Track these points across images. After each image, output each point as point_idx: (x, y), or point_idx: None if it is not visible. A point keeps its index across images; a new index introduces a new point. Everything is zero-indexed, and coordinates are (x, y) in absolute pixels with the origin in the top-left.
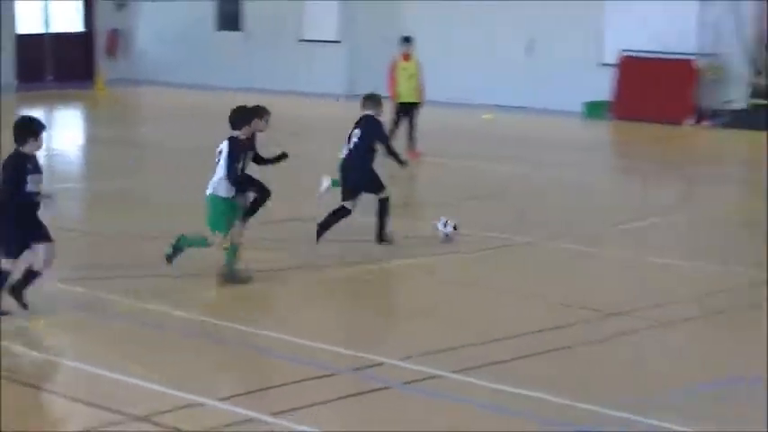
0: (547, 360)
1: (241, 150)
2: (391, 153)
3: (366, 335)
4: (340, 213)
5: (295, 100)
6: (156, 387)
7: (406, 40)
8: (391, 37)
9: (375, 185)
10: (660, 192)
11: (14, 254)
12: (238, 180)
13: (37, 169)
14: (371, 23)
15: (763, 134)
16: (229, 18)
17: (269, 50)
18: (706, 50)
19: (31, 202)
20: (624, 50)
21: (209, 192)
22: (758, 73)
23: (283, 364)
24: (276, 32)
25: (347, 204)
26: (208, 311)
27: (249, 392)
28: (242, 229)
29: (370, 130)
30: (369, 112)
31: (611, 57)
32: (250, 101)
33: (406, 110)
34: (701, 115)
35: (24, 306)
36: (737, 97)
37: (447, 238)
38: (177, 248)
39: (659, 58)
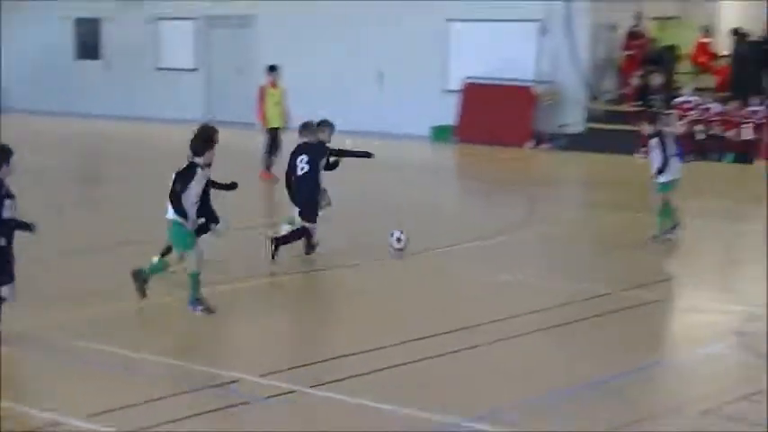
0: (400, 374)
1: (193, 177)
2: (335, 161)
3: (226, 351)
4: (300, 233)
5: (154, 127)
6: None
7: (272, 68)
8: (245, 66)
9: (311, 214)
10: (505, 211)
11: None
12: (175, 203)
13: (9, 195)
14: (227, 52)
15: (598, 156)
16: (88, 47)
17: (128, 78)
18: (544, 77)
19: (9, 228)
20: (467, 77)
21: (170, 217)
22: (593, 98)
23: (143, 380)
24: (134, 61)
25: (308, 225)
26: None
27: (108, 411)
28: (203, 256)
29: (315, 156)
30: (306, 139)
31: (456, 83)
32: (110, 128)
33: (274, 134)
34: (539, 138)
35: None
36: (574, 121)
37: (398, 252)
38: (143, 280)
39: (500, 85)
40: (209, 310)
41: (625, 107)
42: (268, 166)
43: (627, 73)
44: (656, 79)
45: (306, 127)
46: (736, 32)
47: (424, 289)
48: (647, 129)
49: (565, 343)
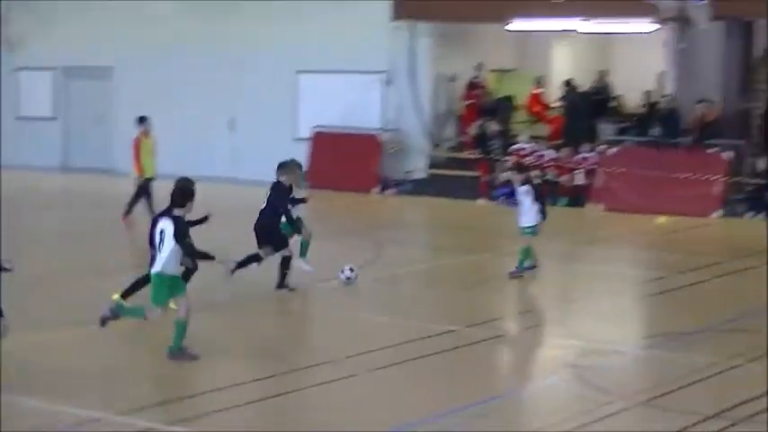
0: (260, 409)
1: (187, 226)
2: (289, 219)
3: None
4: (253, 258)
5: (13, 174)
6: None
7: (142, 119)
8: (102, 115)
9: (278, 243)
10: (355, 253)
11: None
12: (196, 253)
13: None
14: (84, 102)
15: (441, 200)
16: None
17: None
18: (389, 126)
19: None
20: (316, 126)
21: (156, 270)
22: (435, 146)
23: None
24: None
25: (261, 252)
26: None
27: None
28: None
29: (274, 194)
30: (280, 178)
31: (306, 132)
32: None
33: (146, 184)
34: (385, 184)
35: None
36: (418, 167)
37: (348, 281)
38: (115, 315)
39: (348, 133)
40: (193, 358)
41: (465, 154)
42: (128, 212)
43: (466, 122)
44: (493, 127)
45: (280, 166)
46: (568, 84)
47: (288, 326)
48: (517, 178)
49: (416, 377)
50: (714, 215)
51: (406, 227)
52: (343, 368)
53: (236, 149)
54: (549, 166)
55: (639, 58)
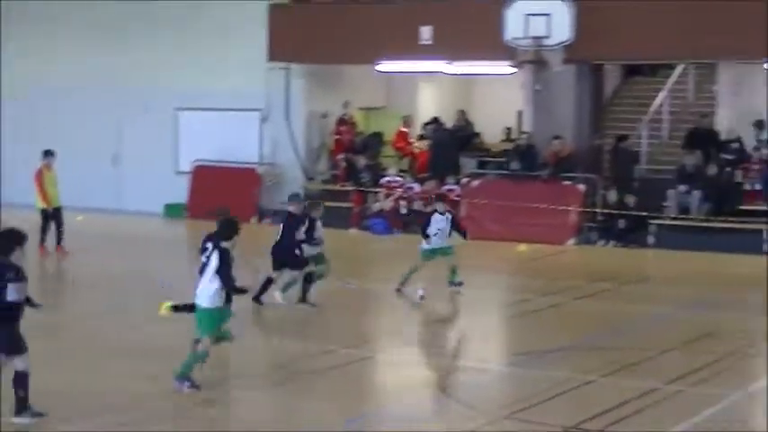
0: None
1: (231, 260)
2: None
3: None
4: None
5: None
6: None
7: (48, 153)
8: None
9: (298, 264)
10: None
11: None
12: (234, 288)
13: (20, 277)
14: None
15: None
16: None
17: None
18: (266, 159)
19: (11, 309)
20: (197, 160)
21: (205, 305)
22: (309, 178)
23: None
24: None
25: (273, 275)
26: None
27: None
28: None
29: (290, 222)
30: (289, 208)
31: (186, 165)
32: None
33: (55, 213)
34: (263, 214)
35: None
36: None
37: (422, 299)
38: (193, 383)
39: (227, 167)
40: (196, 387)
41: (337, 187)
42: (43, 240)
43: (337, 156)
44: (361, 162)
45: (290, 198)
46: (435, 121)
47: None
48: (440, 206)
49: (291, 396)
50: (569, 243)
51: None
52: (219, 392)
53: (119, 182)
54: (416, 198)
55: (500, 97)
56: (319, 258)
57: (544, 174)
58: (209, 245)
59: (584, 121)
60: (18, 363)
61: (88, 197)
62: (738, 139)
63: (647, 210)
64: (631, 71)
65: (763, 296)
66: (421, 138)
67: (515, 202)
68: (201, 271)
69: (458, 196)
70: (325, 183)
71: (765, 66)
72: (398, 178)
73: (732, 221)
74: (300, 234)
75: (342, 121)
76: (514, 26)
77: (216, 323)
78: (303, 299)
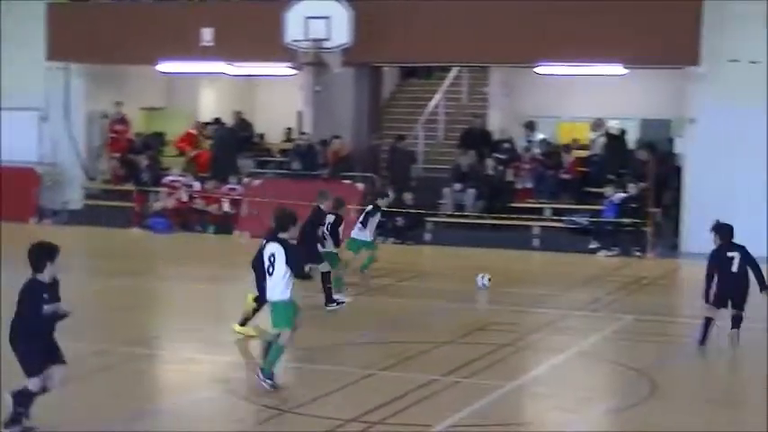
0: None
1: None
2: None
3: None
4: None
5: None
6: None
7: None
8: None
9: (316, 259)
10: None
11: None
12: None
13: (54, 297)
14: None
15: (97, 229)
16: None
17: None
18: (46, 159)
19: (46, 324)
20: None
21: (279, 298)
22: (90, 178)
23: None
24: None
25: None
26: None
27: None
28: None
29: (313, 217)
30: (318, 203)
31: None
32: None
33: None
34: (43, 214)
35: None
36: (74, 198)
37: (485, 287)
38: (273, 383)
39: (5, 166)
40: (275, 387)
41: (118, 186)
42: None
43: (113, 155)
44: (142, 162)
45: (320, 194)
46: (217, 121)
47: None
48: (381, 202)
49: (80, 392)
50: None
51: (63, 255)
52: None
53: None
54: (198, 197)
55: (281, 98)
56: (333, 257)
57: (324, 173)
58: (267, 243)
59: (363, 121)
60: (55, 372)
61: None
62: (510, 140)
63: (424, 208)
64: (408, 73)
65: (534, 290)
66: (210, 136)
67: (296, 200)
68: (269, 271)
69: (240, 195)
70: (105, 182)
71: (535, 69)
72: (180, 178)
73: (504, 218)
74: (323, 230)
75: (119, 121)
76: (295, 28)
77: (292, 314)
78: (329, 299)
